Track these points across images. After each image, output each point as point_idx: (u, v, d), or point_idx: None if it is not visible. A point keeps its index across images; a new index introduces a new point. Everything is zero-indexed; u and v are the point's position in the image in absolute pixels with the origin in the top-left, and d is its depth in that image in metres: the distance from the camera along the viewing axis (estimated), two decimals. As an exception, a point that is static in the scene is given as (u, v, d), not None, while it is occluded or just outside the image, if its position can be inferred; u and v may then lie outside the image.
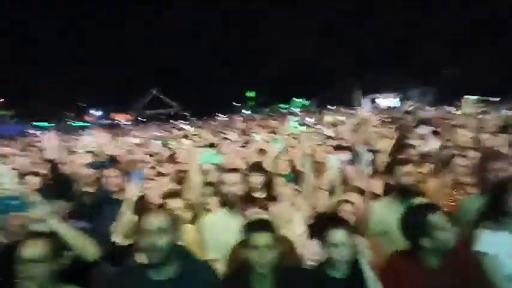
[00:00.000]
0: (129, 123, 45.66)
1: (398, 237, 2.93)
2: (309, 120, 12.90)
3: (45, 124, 41.71)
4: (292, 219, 3.44)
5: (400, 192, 3.20)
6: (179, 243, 2.24)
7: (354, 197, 3.71)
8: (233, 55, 57.52)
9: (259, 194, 3.91)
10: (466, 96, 6.62)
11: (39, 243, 2.21)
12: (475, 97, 8.11)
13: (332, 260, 2.41)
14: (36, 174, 4.51)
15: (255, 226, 2.34)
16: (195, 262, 2.43)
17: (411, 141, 5.14)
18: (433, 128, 6.53)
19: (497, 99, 12.33)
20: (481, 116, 6.31)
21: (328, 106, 30.73)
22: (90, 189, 4.42)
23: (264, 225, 2.34)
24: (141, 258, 2.31)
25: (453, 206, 3.50)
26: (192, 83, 57.07)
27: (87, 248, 2.64)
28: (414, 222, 2.43)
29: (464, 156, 3.78)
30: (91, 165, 4.83)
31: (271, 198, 3.89)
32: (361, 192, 3.72)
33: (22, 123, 40.88)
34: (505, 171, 3.02)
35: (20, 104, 46.46)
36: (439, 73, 39.07)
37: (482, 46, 34.88)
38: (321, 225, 2.61)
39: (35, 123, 41.36)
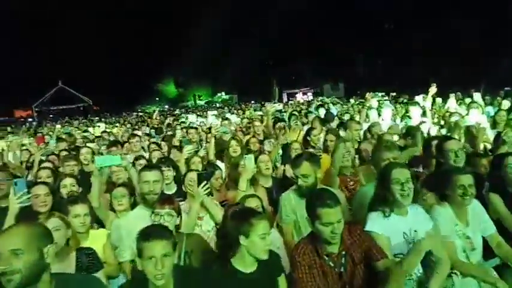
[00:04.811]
0: (31, 119, 40.97)
1: (305, 225, 3.10)
2: (230, 115, 12.92)
3: None
4: (203, 216, 3.40)
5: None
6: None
7: (260, 191, 3.81)
8: (154, 50, 54.48)
9: (167, 190, 3.84)
10: (368, 93, 7.19)
11: None
12: (378, 93, 8.86)
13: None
14: None
15: (148, 234, 2.13)
16: None
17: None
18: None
19: (394, 94, 13.81)
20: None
21: (253, 101, 31.25)
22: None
23: (160, 233, 2.15)
24: None
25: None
26: (107, 77, 52.81)
27: None
28: (308, 211, 2.52)
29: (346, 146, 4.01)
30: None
31: (182, 194, 3.82)
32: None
33: None
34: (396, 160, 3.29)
35: None
36: (349, 70, 42.32)
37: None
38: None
39: None
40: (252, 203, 3.05)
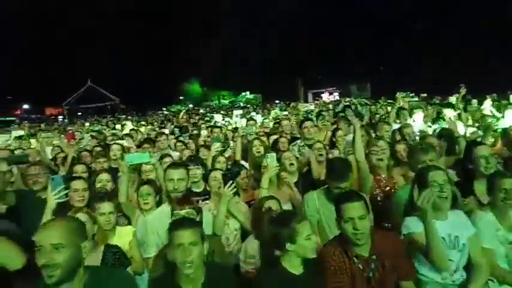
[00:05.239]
0: (61, 117, 42.42)
1: (329, 226, 3.08)
2: (254, 114, 12.92)
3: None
4: (230, 215, 3.39)
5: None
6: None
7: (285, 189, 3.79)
8: (179, 50, 55.20)
9: (196, 188, 3.84)
10: (399, 93, 6.99)
11: None
12: (407, 93, 8.64)
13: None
14: None
15: (177, 224, 2.25)
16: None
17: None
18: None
19: (425, 94, 13.39)
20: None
21: (277, 101, 31.22)
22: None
23: (186, 223, 2.27)
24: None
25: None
26: (135, 76, 53.93)
27: (9, 255, 2.32)
28: (336, 213, 2.46)
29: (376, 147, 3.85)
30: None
31: (207, 193, 3.82)
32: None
33: None
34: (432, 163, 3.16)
35: None
36: (375, 70, 41.61)
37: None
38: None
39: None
40: (271, 206, 3.03)
